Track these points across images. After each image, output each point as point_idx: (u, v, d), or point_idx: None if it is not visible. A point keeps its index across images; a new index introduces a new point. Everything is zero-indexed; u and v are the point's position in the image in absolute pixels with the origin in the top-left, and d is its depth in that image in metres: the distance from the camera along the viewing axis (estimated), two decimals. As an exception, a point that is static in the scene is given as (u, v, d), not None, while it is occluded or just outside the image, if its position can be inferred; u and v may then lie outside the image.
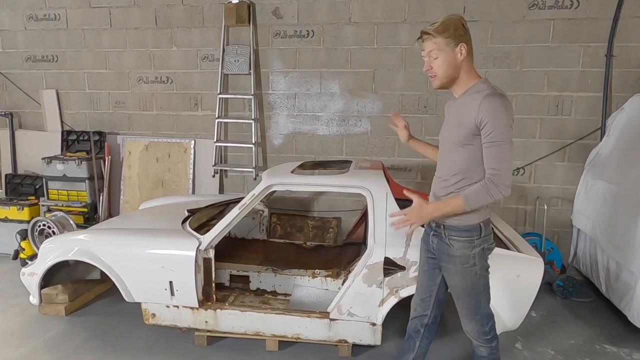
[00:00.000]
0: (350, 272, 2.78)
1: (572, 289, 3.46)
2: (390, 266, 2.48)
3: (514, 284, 2.37)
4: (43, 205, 4.31)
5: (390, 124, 2.38)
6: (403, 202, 2.72)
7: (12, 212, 4.21)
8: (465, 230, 1.88)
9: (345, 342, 2.64)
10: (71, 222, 3.61)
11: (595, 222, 3.33)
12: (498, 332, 2.10)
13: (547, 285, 3.52)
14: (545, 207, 3.74)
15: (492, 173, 1.74)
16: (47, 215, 3.79)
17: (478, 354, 2.04)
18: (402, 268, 2.47)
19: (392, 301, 2.51)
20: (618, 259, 2.97)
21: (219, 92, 4.23)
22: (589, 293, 3.50)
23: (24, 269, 2.96)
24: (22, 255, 3.75)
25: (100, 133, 4.51)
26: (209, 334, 2.78)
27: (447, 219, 1.90)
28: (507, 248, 2.59)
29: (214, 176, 4.36)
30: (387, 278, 2.49)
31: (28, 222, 3.82)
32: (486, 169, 1.77)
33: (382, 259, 2.48)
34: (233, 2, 4.05)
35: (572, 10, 3.68)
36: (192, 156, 4.40)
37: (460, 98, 1.89)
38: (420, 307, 2.14)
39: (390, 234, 2.49)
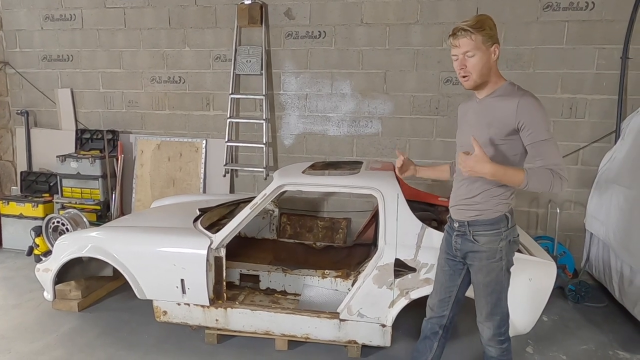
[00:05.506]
0: (360, 273, 2.78)
1: (585, 293, 3.42)
2: (401, 268, 2.47)
3: (525, 287, 2.35)
4: (57, 203, 4.38)
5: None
6: (414, 204, 2.73)
7: (26, 209, 4.28)
8: (490, 224, 1.88)
9: (355, 342, 2.64)
10: (84, 219, 3.66)
11: (608, 226, 3.28)
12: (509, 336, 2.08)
13: (559, 290, 3.48)
14: (558, 211, 3.70)
15: (555, 168, 1.72)
16: (61, 212, 3.84)
17: (487, 354, 2.02)
18: (413, 270, 2.47)
19: (403, 303, 2.50)
20: (632, 264, 2.93)
21: (230, 92, 4.26)
22: (601, 298, 3.45)
23: (38, 265, 3.01)
24: (36, 252, 3.81)
25: (113, 132, 4.56)
26: (219, 332, 2.80)
27: (472, 214, 1.89)
28: (519, 251, 2.56)
29: (224, 175, 4.39)
30: (398, 279, 2.48)
31: (42, 218, 3.88)
32: (545, 165, 1.74)
33: (393, 260, 2.47)
34: (246, 3, 4.08)
35: (587, 12, 3.64)
36: (203, 155, 4.43)
37: (485, 99, 1.88)
38: (438, 308, 2.11)
39: (401, 236, 2.49)
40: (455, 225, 1.99)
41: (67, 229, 3.55)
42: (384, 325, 2.56)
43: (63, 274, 3.03)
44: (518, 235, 1.97)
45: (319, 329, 2.64)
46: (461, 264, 2.03)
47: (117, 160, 4.48)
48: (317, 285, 3.09)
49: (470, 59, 1.78)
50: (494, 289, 1.92)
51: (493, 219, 1.88)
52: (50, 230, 3.63)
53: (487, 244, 1.88)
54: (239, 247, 3.47)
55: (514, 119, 1.76)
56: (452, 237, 2.00)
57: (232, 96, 4.26)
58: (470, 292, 2.15)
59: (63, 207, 4.27)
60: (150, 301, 2.82)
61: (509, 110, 1.77)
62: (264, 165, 4.26)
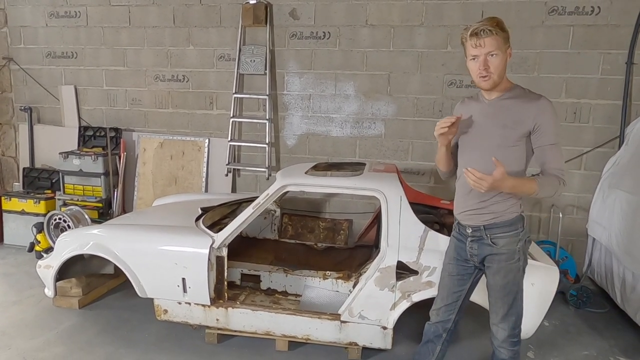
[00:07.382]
0: (361, 274, 2.77)
1: (586, 299, 3.41)
2: (403, 270, 2.47)
3: (527, 292, 2.32)
4: (59, 199, 4.38)
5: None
6: (416, 206, 2.72)
7: (28, 205, 4.28)
8: (509, 225, 1.88)
9: (356, 344, 2.63)
10: (86, 216, 3.66)
11: (611, 232, 3.27)
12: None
13: (560, 295, 3.46)
14: (560, 215, 3.69)
15: (559, 173, 1.80)
16: (63, 209, 3.84)
17: (498, 356, 2.01)
18: (415, 272, 2.46)
19: (404, 305, 2.50)
20: (635, 270, 2.92)
21: (234, 91, 4.26)
22: (603, 304, 3.44)
23: (40, 262, 3.01)
24: (37, 248, 3.81)
25: (116, 129, 4.56)
26: (219, 331, 2.79)
27: (488, 217, 1.89)
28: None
29: (227, 175, 4.38)
30: (400, 282, 2.47)
31: (44, 215, 3.88)
32: (549, 169, 1.82)
33: (395, 263, 2.47)
34: (250, 2, 4.07)
35: (593, 16, 3.63)
36: (205, 154, 4.43)
37: (497, 101, 1.88)
38: (443, 313, 2.10)
39: (403, 238, 2.48)
40: (468, 231, 1.97)
41: (68, 226, 3.56)
42: (385, 328, 2.56)
43: (64, 271, 3.02)
44: (530, 235, 1.99)
45: (319, 330, 2.63)
46: (472, 268, 2.02)
47: (119, 158, 4.48)
48: (318, 286, 3.09)
49: (493, 59, 1.77)
50: (510, 289, 1.92)
51: (511, 219, 1.88)
52: (52, 227, 3.63)
53: (506, 245, 1.89)
54: (240, 247, 3.47)
55: (532, 120, 1.79)
56: (467, 243, 1.98)
57: (235, 95, 4.26)
58: (474, 297, 2.15)
59: (65, 204, 4.27)
60: (151, 300, 2.81)
61: (528, 112, 1.79)
62: (267, 165, 4.25)
